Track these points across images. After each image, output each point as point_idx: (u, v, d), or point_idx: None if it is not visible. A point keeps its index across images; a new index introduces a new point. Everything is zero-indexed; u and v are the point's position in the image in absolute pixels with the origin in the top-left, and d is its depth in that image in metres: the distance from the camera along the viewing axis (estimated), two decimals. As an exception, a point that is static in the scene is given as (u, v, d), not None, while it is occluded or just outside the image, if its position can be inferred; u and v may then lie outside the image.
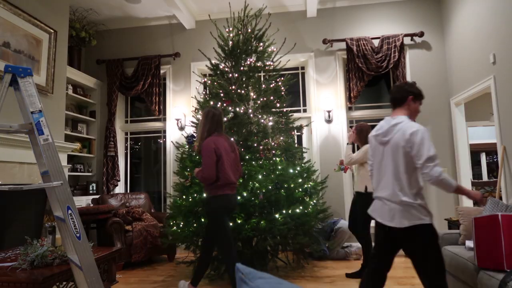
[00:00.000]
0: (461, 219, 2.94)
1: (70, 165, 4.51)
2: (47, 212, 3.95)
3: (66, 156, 4.29)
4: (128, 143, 5.85)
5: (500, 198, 4.00)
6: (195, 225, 3.62)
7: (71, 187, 4.99)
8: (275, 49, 4.33)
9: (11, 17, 3.61)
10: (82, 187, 5.27)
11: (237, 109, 3.82)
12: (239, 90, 3.91)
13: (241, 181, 3.62)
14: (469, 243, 2.76)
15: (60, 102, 4.29)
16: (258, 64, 4.16)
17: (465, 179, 4.70)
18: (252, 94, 3.98)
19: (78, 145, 4.76)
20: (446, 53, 4.96)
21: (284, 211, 3.56)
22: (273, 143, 3.90)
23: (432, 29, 5.06)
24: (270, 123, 3.96)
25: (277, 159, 3.80)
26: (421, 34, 4.98)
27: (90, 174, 5.48)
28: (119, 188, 5.63)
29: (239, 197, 3.50)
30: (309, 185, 3.98)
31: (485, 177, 8.27)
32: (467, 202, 4.63)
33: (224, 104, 3.89)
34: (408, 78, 5.00)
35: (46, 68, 4.04)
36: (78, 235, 1.80)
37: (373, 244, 2.49)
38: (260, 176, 3.59)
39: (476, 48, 4.15)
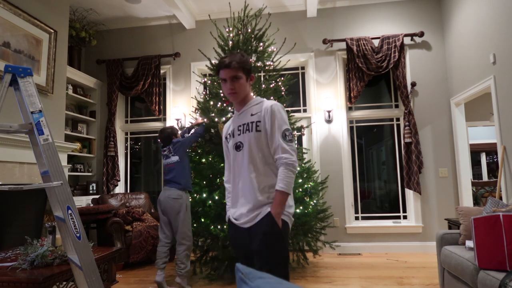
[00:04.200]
0: (461, 219, 2.94)
1: (70, 165, 4.51)
2: (47, 212, 3.95)
3: (66, 156, 4.29)
4: (128, 143, 5.85)
5: (500, 198, 4.00)
6: (195, 225, 3.62)
7: (71, 187, 4.99)
8: (275, 49, 4.33)
9: (11, 17, 3.61)
10: (82, 187, 5.27)
11: (237, 109, 3.82)
12: (239, 90, 3.91)
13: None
14: (469, 243, 2.76)
15: (60, 102, 4.29)
16: (258, 64, 4.16)
17: (465, 179, 4.70)
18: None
19: (78, 145, 4.76)
20: (446, 53, 4.97)
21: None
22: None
23: (432, 29, 5.06)
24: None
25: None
26: (421, 34, 4.98)
27: (90, 174, 5.48)
28: (119, 188, 5.63)
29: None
30: (309, 185, 3.98)
31: (485, 177, 8.27)
32: (467, 202, 4.64)
33: (224, 104, 3.89)
34: (408, 78, 5.00)
35: (46, 68, 4.04)
36: (78, 235, 1.80)
37: None
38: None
39: (476, 48, 4.15)
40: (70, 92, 5.06)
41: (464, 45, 4.43)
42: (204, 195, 3.63)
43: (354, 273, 3.83)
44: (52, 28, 4.14)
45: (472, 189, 5.57)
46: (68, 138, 5.15)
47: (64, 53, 4.42)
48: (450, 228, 3.89)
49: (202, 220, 3.58)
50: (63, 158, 4.19)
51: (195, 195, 3.69)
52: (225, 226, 3.45)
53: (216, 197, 3.53)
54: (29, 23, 3.82)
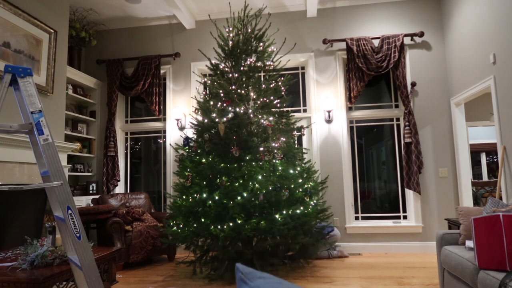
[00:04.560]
0: (461, 219, 2.94)
1: (70, 165, 4.51)
2: (47, 212, 3.95)
3: (66, 156, 4.29)
4: (128, 143, 5.85)
5: (500, 198, 4.00)
6: (195, 225, 3.62)
7: (71, 187, 4.99)
8: (275, 49, 4.33)
9: (11, 17, 3.61)
10: (82, 187, 5.27)
11: (237, 109, 3.82)
12: (239, 90, 3.91)
13: (241, 181, 3.62)
14: (469, 243, 2.76)
15: (60, 102, 4.29)
16: (258, 64, 4.16)
17: (465, 179, 4.70)
18: (252, 94, 3.98)
19: (78, 145, 4.75)
20: (446, 53, 4.97)
21: (284, 212, 3.56)
22: (273, 144, 3.90)
23: (432, 29, 5.06)
24: (270, 124, 3.96)
25: (277, 161, 3.80)
26: (421, 34, 4.98)
27: (90, 174, 5.48)
28: (119, 188, 5.63)
29: (239, 197, 3.50)
30: (309, 185, 3.98)
31: (485, 177, 8.27)
32: (467, 202, 4.64)
33: (224, 104, 3.89)
34: (408, 78, 5.00)
35: (46, 68, 4.04)
36: (78, 235, 1.81)
37: None
38: (260, 177, 3.59)
39: (476, 48, 4.15)
40: (70, 92, 5.06)
41: (464, 45, 4.43)
42: (204, 195, 3.63)
43: (354, 273, 3.83)
44: (52, 28, 4.14)
45: (472, 189, 5.58)
46: (68, 138, 5.15)
47: (64, 53, 4.42)
48: (450, 228, 3.90)
49: (202, 220, 3.58)
50: (63, 158, 4.19)
51: (195, 195, 3.69)
52: (225, 226, 3.45)
53: (216, 197, 3.53)
54: (29, 23, 3.82)
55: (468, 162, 4.76)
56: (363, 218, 5.15)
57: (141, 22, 5.73)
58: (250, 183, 3.58)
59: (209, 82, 4.15)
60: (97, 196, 4.94)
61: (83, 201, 4.96)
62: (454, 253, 2.75)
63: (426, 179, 4.88)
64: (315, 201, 4.00)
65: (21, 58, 3.70)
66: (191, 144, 4.07)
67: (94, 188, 5.35)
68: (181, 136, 5.28)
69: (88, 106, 5.67)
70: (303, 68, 5.49)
